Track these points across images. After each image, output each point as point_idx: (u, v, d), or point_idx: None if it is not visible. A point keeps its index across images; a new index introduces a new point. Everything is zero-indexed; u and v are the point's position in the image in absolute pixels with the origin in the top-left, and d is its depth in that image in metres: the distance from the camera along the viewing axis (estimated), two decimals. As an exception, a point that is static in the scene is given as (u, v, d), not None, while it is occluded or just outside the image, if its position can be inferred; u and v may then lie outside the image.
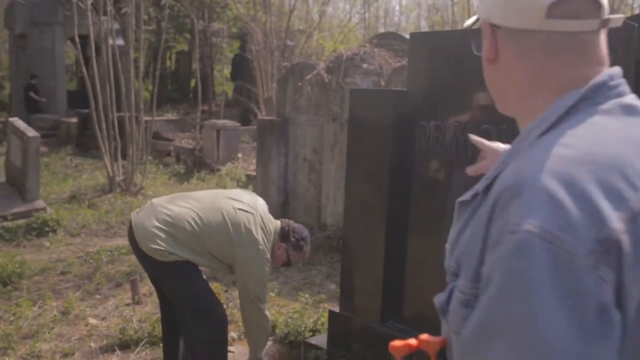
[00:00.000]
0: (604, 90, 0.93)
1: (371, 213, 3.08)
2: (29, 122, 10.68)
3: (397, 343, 1.14)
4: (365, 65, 6.23)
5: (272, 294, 4.99)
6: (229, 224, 3.10)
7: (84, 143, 12.96)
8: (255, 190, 6.02)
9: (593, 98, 0.92)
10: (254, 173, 8.67)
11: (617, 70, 0.96)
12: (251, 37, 13.10)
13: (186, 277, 3.14)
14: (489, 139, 1.58)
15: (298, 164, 7.04)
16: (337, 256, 6.02)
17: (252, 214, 3.17)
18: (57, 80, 16.93)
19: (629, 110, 0.92)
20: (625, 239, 0.78)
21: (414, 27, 25.32)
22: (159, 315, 3.91)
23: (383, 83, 6.05)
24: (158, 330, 3.97)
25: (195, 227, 3.09)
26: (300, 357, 3.72)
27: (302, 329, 3.96)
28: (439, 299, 1.01)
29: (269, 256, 3.18)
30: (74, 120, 14.04)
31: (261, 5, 13.82)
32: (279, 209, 6.91)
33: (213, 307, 3.21)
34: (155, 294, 4.77)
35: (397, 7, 27.56)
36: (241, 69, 16.61)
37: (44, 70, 16.50)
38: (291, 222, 3.41)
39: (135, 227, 3.13)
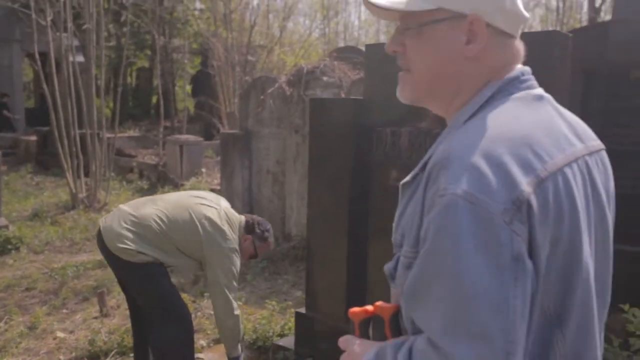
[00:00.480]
0: (516, 83, 1.11)
1: (333, 218, 3.22)
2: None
3: (355, 309, 1.26)
4: (325, 78, 6.41)
5: (239, 302, 5.07)
6: (195, 219, 3.21)
7: (44, 161, 12.83)
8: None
9: (507, 89, 1.10)
10: (218, 187, 8.73)
11: (527, 68, 1.15)
12: (212, 53, 13.22)
13: (153, 278, 3.22)
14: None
15: (262, 176, 7.15)
16: (302, 265, 6.14)
17: (216, 208, 3.29)
18: (15, 97, 16.73)
19: (537, 98, 1.11)
20: (533, 200, 0.94)
21: (374, 41, 25.76)
22: (127, 326, 3.97)
23: (343, 95, 6.22)
24: (127, 341, 4.02)
25: (162, 225, 3.19)
26: (269, 360, 3.82)
27: (270, 334, 4.07)
28: (387, 267, 1.16)
29: (236, 246, 3.28)
30: (33, 138, 13.89)
31: (222, 22, 13.95)
32: (244, 221, 7.01)
33: (179, 308, 3.29)
34: (122, 306, 4.83)
35: (357, 22, 27.97)
36: (203, 84, 16.67)
37: (1, 88, 16.32)
38: (254, 216, 3.55)
39: (104, 230, 3.22)
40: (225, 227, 3.25)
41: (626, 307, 3.01)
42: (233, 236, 3.28)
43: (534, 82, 1.13)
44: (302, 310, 3.50)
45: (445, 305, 0.93)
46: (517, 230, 0.93)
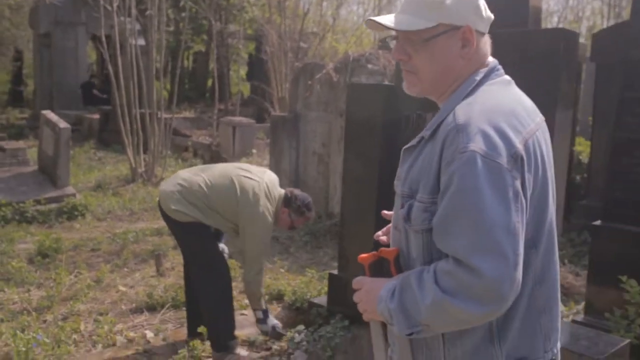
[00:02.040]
0: (493, 71, 1.52)
1: (364, 191, 3.62)
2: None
3: (364, 255, 1.55)
4: (370, 66, 6.77)
5: (282, 270, 5.54)
6: (235, 187, 3.62)
7: (105, 137, 13.58)
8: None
9: (489, 76, 1.51)
10: (267, 167, 9.22)
11: (496, 60, 1.55)
12: (266, 39, 13.65)
13: (195, 236, 3.69)
14: None
15: (308, 157, 7.58)
16: (342, 240, 6.56)
17: (258, 181, 3.69)
18: (79, 78, 17.58)
19: (508, 82, 1.54)
20: (523, 154, 1.34)
21: (426, 30, 25.70)
22: (181, 284, 4.46)
23: (386, 82, 6.58)
24: (181, 296, 4.52)
25: (206, 189, 3.64)
26: (305, 319, 4.25)
27: (308, 296, 4.50)
28: (401, 213, 1.48)
29: (270, 219, 3.67)
30: (96, 116, 14.68)
31: (276, 8, 14.36)
32: (290, 198, 7.46)
33: (217, 266, 3.73)
34: (177, 268, 5.36)
35: (410, 11, 27.88)
36: (257, 69, 17.19)
37: (66, 68, 17.18)
38: (296, 190, 3.91)
39: (160, 193, 3.75)
40: (262, 198, 3.62)
41: (624, 278, 3.31)
42: (268, 207, 3.64)
43: (503, 71, 1.55)
44: (335, 272, 3.92)
45: (470, 231, 1.28)
46: (515, 175, 1.32)
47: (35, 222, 6.99)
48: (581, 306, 4.14)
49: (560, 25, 16.45)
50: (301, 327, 3.93)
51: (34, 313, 4.32)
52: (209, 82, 20.24)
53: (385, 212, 1.92)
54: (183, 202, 3.61)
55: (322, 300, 4.03)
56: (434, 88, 1.54)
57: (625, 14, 17.35)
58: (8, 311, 4.42)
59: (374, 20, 1.51)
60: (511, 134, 1.34)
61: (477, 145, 1.30)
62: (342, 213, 3.92)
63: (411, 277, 1.39)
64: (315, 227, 6.81)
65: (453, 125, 1.36)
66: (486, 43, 1.54)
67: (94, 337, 4.03)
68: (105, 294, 4.89)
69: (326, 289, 4.61)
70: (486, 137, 1.32)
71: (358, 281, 1.54)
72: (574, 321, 3.71)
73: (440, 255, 1.39)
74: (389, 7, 23.73)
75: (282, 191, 3.84)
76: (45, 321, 4.26)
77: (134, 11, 9.56)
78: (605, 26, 17.67)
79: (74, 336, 3.99)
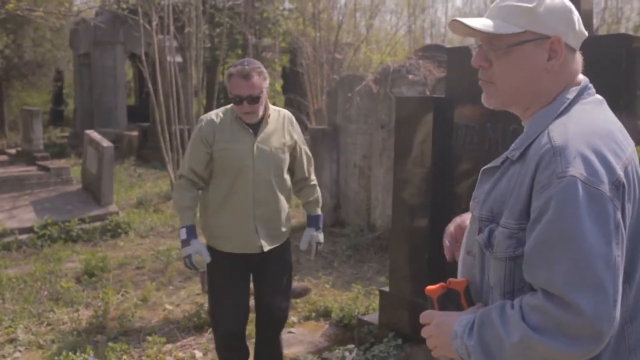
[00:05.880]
0: (585, 90, 1.42)
1: (416, 203, 3.54)
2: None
3: (431, 287, 1.46)
4: (410, 76, 6.68)
5: (327, 285, 5.47)
6: None
7: (144, 155, 13.77)
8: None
9: (581, 95, 1.40)
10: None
11: (587, 79, 1.45)
12: (301, 52, 13.67)
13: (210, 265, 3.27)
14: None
15: (349, 169, 7.52)
16: (387, 254, 6.45)
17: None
18: (117, 96, 17.90)
19: (601, 102, 1.43)
20: (624, 181, 1.24)
21: (461, 38, 25.53)
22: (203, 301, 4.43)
23: (428, 92, 6.49)
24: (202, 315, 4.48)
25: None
26: (354, 336, 4.18)
27: (356, 313, 4.43)
28: (481, 238, 1.38)
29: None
30: (135, 133, 14.89)
31: (310, 21, 14.40)
32: (332, 212, 7.41)
33: (211, 309, 3.35)
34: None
35: (443, 19, 27.79)
36: (292, 81, 17.25)
37: (105, 87, 17.51)
38: None
39: None
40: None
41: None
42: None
43: (594, 90, 1.44)
44: (385, 288, 3.84)
45: (567, 262, 1.18)
46: (617, 205, 1.23)
47: (81, 240, 7.07)
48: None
49: (601, 28, 16.18)
50: (351, 346, 3.85)
51: (83, 334, 4.33)
52: (245, 96, 20.33)
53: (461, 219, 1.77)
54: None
55: (373, 317, 3.95)
56: (513, 100, 1.43)
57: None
58: (59, 332, 4.44)
59: (459, 21, 1.41)
60: (612, 159, 1.25)
61: (577, 170, 1.21)
62: (392, 229, 3.84)
63: (492, 312, 1.29)
64: (358, 240, 6.73)
65: (549, 146, 1.27)
66: (577, 60, 1.43)
67: (143, 358, 4.02)
68: (152, 312, 4.89)
69: (373, 305, 4.54)
70: (586, 161, 1.22)
71: (427, 315, 1.44)
72: None
73: (523, 285, 1.30)
74: (422, 16, 23.63)
75: None
76: (96, 342, 4.27)
77: (172, 29, 9.67)
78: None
79: (124, 357, 3.98)
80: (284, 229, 3.27)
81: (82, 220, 7.35)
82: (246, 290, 3.28)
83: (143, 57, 9.49)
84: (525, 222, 1.28)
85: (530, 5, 1.36)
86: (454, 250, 1.76)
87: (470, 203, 1.51)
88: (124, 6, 11.15)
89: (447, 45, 8.53)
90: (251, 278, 3.32)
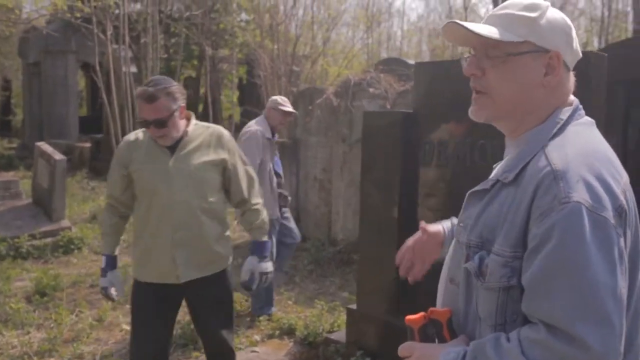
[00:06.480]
0: (577, 111, 1.36)
1: (384, 217, 3.48)
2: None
3: (412, 317, 1.37)
4: (371, 90, 6.67)
5: (289, 302, 5.37)
6: None
7: (97, 167, 13.40)
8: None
9: (573, 115, 1.34)
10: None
11: (577, 99, 1.39)
12: (258, 63, 13.58)
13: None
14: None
15: (309, 182, 7.45)
16: (349, 268, 6.41)
17: None
18: (69, 106, 17.42)
19: (592, 123, 1.37)
20: (625, 207, 1.19)
21: (416, 51, 25.89)
22: (188, 319, 4.28)
23: (389, 106, 6.48)
24: (188, 333, 4.34)
25: None
26: (319, 355, 4.09)
27: (320, 330, 4.34)
28: (471, 266, 1.29)
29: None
30: (87, 145, 14.51)
31: (267, 33, 14.33)
32: (292, 226, 7.31)
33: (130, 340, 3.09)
34: (183, 304, 5.16)
35: (399, 33, 28.11)
36: (248, 93, 17.12)
37: (56, 96, 17.02)
38: None
39: None
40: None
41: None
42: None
43: (584, 111, 1.38)
44: (353, 306, 3.76)
45: (572, 294, 1.11)
46: (619, 232, 1.17)
47: (31, 257, 6.78)
48: None
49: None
50: (318, 365, 3.77)
51: (34, 358, 4.12)
52: (200, 107, 20.13)
53: (424, 224, 1.77)
54: None
55: (340, 335, 3.87)
56: (506, 113, 1.35)
57: (620, 32, 17.49)
58: (8, 356, 4.21)
59: (457, 26, 1.32)
60: (612, 183, 1.20)
61: (581, 195, 1.15)
62: (359, 245, 3.78)
63: (486, 346, 1.20)
64: (319, 255, 6.66)
65: (548, 169, 1.20)
66: (571, 80, 1.38)
67: (99, 382, 3.84)
68: (108, 333, 4.69)
69: (339, 321, 4.46)
70: (589, 187, 1.17)
71: (407, 347, 1.34)
72: None
73: (516, 317, 1.22)
74: (379, 29, 23.86)
75: None
76: (47, 366, 4.06)
77: (127, 39, 9.47)
78: (597, 45, 17.80)
79: (79, 381, 3.79)
80: (214, 256, 3.00)
81: (33, 236, 7.05)
82: (168, 322, 3.06)
83: (97, 67, 9.26)
84: (521, 250, 1.21)
85: (533, 15, 1.31)
86: (410, 266, 1.74)
87: (456, 228, 1.44)
88: (78, 15, 10.87)
89: (405, 59, 8.56)
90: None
